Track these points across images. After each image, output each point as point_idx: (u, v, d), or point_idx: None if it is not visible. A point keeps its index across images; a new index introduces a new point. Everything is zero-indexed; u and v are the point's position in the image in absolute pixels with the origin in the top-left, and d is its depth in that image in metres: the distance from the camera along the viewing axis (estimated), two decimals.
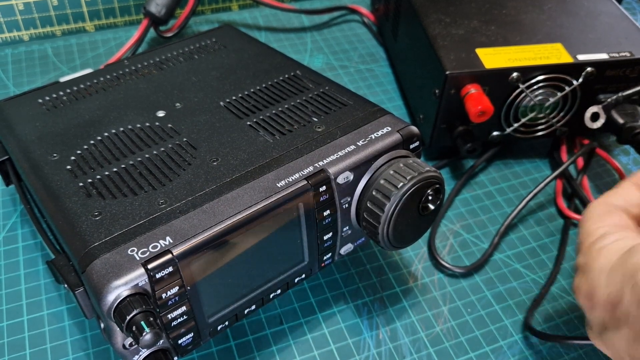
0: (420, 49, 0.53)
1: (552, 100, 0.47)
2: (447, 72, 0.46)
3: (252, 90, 0.43)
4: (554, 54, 0.48)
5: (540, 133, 0.51)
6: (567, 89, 0.47)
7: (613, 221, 0.31)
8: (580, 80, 0.46)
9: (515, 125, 0.49)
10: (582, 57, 0.47)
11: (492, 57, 0.47)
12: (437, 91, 0.48)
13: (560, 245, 0.48)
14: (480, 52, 0.48)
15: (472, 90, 0.46)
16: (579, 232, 0.32)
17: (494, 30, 0.51)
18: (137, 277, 0.28)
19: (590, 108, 0.42)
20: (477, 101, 0.46)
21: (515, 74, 0.47)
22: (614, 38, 0.49)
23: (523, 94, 0.48)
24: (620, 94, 0.41)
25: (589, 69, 0.47)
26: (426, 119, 0.52)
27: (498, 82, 0.47)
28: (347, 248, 0.39)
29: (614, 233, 0.30)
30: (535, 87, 0.47)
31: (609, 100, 0.42)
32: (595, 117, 0.42)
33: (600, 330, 0.30)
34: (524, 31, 0.51)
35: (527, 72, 0.47)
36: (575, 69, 0.47)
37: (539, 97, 0.47)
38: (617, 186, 0.34)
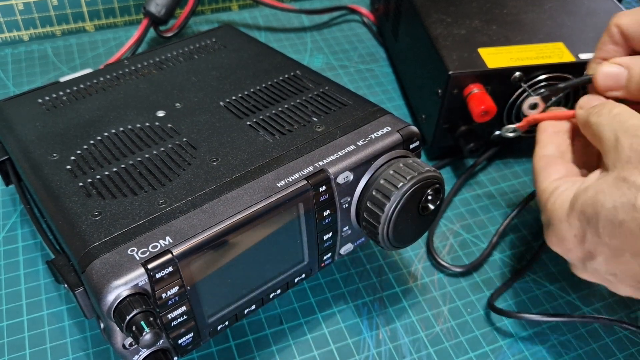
0: (422, 49, 0.53)
1: (554, 99, 0.47)
2: (450, 72, 0.46)
3: (252, 90, 0.43)
4: (556, 53, 0.48)
5: None
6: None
7: (556, 174, 0.37)
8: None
9: (517, 124, 0.49)
10: (583, 56, 0.47)
11: (494, 57, 0.47)
12: (439, 91, 0.48)
13: None
14: (483, 51, 0.48)
15: (475, 90, 0.46)
16: (536, 192, 0.38)
17: (496, 30, 0.51)
18: (137, 277, 0.28)
19: (530, 98, 0.43)
20: (480, 101, 0.46)
21: (517, 74, 0.47)
22: None
23: (525, 93, 0.48)
24: (559, 85, 0.42)
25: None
26: (428, 118, 0.52)
27: (500, 82, 0.47)
28: (347, 248, 0.39)
29: (560, 186, 0.35)
30: (537, 86, 0.47)
31: (547, 90, 0.43)
32: (534, 106, 0.44)
33: (582, 265, 0.35)
34: (525, 30, 0.51)
35: (529, 71, 0.47)
36: (577, 68, 0.47)
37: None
38: (539, 138, 0.39)
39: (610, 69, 0.37)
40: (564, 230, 0.34)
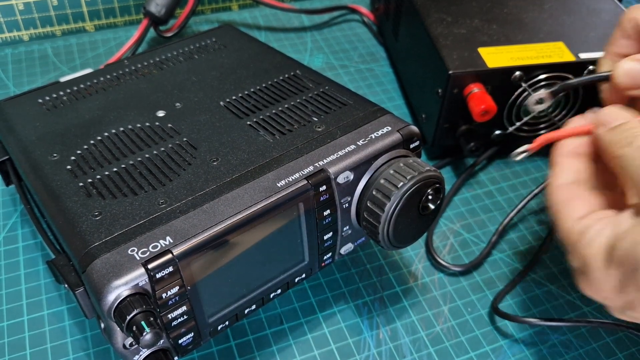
0: (422, 49, 0.53)
1: (553, 99, 0.47)
2: (450, 72, 0.46)
3: (252, 90, 0.43)
4: (556, 52, 0.48)
5: (542, 132, 0.51)
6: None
7: (582, 210, 0.32)
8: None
9: (518, 124, 0.49)
10: (584, 56, 0.47)
11: (495, 57, 0.47)
12: (439, 91, 0.48)
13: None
14: (483, 51, 0.48)
15: (475, 89, 0.46)
16: (558, 229, 0.33)
17: (496, 29, 0.51)
18: (137, 277, 0.28)
19: (536, 93, 0.43)
20: (480, 100, 0.46)
21: (517, 73, 0.47)
22: None
23: (525, 93, 0.48)
24: (571, 81, 0.41)
25: (591, 67, 0.47)
26: (429, 118, 0.52)
27: (500, 81, 0.47)
28: (347, 248, 0.39)
29: (590, 227, 0.31)
30: (537, 85, 0.47)
31: (558, 86, 0.43)
32: (540, 102, 0.43)
33: (621, 311, 0.32)
34: (525, 30, 0.51)
35: (530, 71, 0.47)
36: (577, 67, 0.47)
37: (541, 96, 0.47)
38: (554, 162, 0.35)
39: (632, 66, 0.34)
40: (602, 281, 0.31)
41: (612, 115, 0.33)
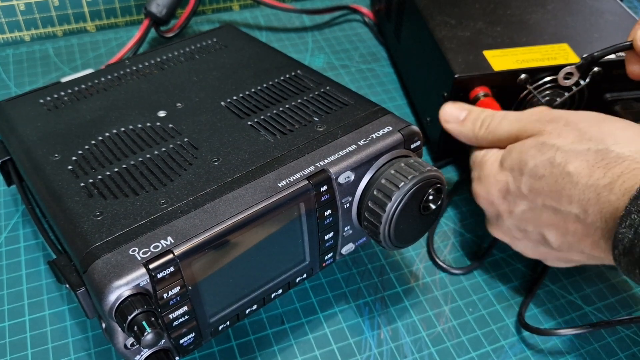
0: (427, 52, 0.53)
1: (559, 100, 0.47)
2: (456, 75, 0.46)
3: (253, 90, 0.43)
4: (561, 54, 0.48)
5: None
6: (575, 89, 0.47)
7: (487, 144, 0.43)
8: (588, 80, 0.46)
9: None
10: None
11: (500, 59, 0.47)
12: (445, 94, 0.48)
13: None
14: (488, 54, 0.48)
15: (481, 93, 0.46)
16: (471, 158, 0.44)
17: (500, 32, 0.51)
18: (138, 277, 0.28)
19: (565, 68, 0.45)
20: (487, 106, 0.46)
21: (523, 76, 0.47)
22: (620, 37, 0.49)
23: (531, 95, 0.48)
24: (595, 53, 0.43)
25: (596, 68, 0.46)
26: (433, 121, 0.52)
27: (506, 84, 0.47)
28: (348, 248, 0.39)
29: (489, 151, 0.42)
30: (542, 87, 0.47)
31: (582, 59, 0.44)
32: (568, 76, 0.45)
33: (496, 222, 0.41)
34: (529, 32, 0.51)
35: (535, 73, 0.47)
36: (588, 67, 0.47)
37: (547, 98, 0.47)
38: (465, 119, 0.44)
39: None
40: (491, 185, 0.40)
41: (449, 112, 0.45)
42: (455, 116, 0.45)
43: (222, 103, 0.42)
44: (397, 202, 0.34)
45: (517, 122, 0.40)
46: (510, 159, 0.39)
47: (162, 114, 0.41)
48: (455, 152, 0.54)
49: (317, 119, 0.39)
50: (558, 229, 0.36)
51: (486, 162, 0.41)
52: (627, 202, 0.31)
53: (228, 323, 0.34)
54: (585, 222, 0.34)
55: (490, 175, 0.40)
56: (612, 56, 0.45)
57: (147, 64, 0.48)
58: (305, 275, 0.37)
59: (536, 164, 0.37)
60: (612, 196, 0.32)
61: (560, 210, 0.35)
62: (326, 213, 0.35)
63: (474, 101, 0.47)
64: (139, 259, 0.29)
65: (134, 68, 0.47)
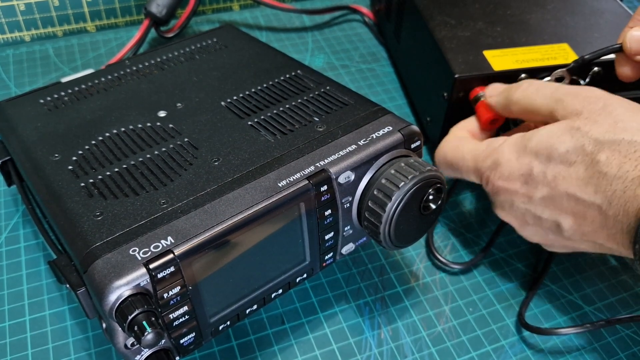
0: (427, 52, 0.53)
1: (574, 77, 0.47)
2: (457, 75, 0.46)
3: (253, 90, 0.43)
4: (561, 54, 0.48)
5: None
6: None
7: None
8: (588, 80, 0.46)
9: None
10: (589, 57, 0.47)
11: (500, 59, 0.47)
12: (445, 94, 0.48)
13: None
14: (488, 54, 0.48)
15: (482, 94, 0.46)
16: (479, 149, 0.42)
17: (500, 32, 0.51)
18: (138, 277, 0.28)
19: (555, 71, 0.45)
20: (488, 109, 0.46)
21: (523, 75, 0.47)
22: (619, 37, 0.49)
23: None
24: (585, 56, 0.43)
25: (595, 69, 0.46)
26: (434, 121, 0.52)
27: (506, 84, 0.47)
28: (348, 247, 0.39)
29: (508, 138, 0.40)
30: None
31: (574, 62, 0.44)
32: (559, 80, 0.45)
33: (509, 205, 0.40)
34: (529, 31, 0.51)
35: (535, 73, 0.47)
36: (580, 70, 0.47)
37: None
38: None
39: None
40: (513, 169, 0.38)
41: (495, 87, 0.45)
42: (498, 89, 0.44)
43: (222, 103, 0.42)
44: (397, 201, 0.34)
45: (556, 93, 0.38)
46: (537, 141, 0.37)
47: (162, 114, 0.41)
48: None
49: (317, 119, 0.39)
50: (576, 218, 0.36)
51: (506, 146, 0.39)
52: None
53: (228, 323, 0.34)
54: (606, 213, 0.34)
55: (512, 159, 0.39)
56: (612, 56, 0.45)
57: (147, 64, 0.48)
58: (305, 275, 0.37)
59: (567, 149, 0.35)
60: (639, 190, 0.32)
61: (583, 200, 0.35)
62: (326, 213, 0.35)
63: (474, 101, 0.47)
64: (139, 258, 0.29)
65: (134, 68, 0.47)
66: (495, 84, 0.45)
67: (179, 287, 0.30)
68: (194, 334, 0.32)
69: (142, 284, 0.29)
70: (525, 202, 0.38)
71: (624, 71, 0.42)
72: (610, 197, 0.33)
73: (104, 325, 0.30)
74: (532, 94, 0.40)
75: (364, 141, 0.36)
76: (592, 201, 0.34)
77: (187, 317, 0.31)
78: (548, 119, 0.39)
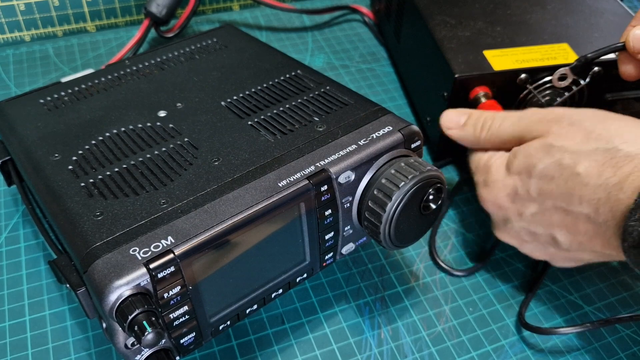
0: (427, 52, 0.53)
1: (559, 100, 0.47)
2: (457, 75, 0.46)
3: (253, 90, 0.43)
4: (561, 54, 0.48)
5: None
6: (575, 89, 0.47)
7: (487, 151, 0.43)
8: (588, 80, 0.46)
9: None
10: (588, 57, 0.47)
11: (500, 59, 0.47)
12: (445, 94, 0.48)
13: None
14: (488, 54, 0.48)
15: (482, 94, 0.46)
16: (470, 163, 0.44)
17: (500, 31, 0.51)
18: (138, 276, 0.28)
19: (558, 70, 0.45)
20: (489, 109, 0.45)
21: (523, 75, 0.47)
22: (619, 37, 0.49)
23: (531, 95, 0.48)
24: (588, 54, 0.43)
25: (596, 68, 0.46)
26: (433, 121, 0.52)
27: (506, 84, 0.47)
28: (348, 247, 0.39)
29: (494, 154, 0.42)
30: (542, 87, 0.47)
31: (576, 61, 0.45)
32: (562, 78, 0.45)
33: (503, 226, 0.41)
34: (529, 31, 0.51)
35: (535, 73, 0.47)
36: (582, 69, 0.47)
37: (547, 98, 0.47)
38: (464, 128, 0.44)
39: None
40: (499, 189, 0.40)
41: (449, 118, 0.45)
42: (455, 121, 0.44)
43: (222, 103, 0.42)
44: (397, 201, 0.34)
45: (520, 123, 0.40)
46: (517, 163, 0.39)
47: (162, 114, 0.41)
48: (455, 152, 0.54)
49: (317, 119, 0.39)
50: (569, 230, 0.36)
51: (492, 165, 0.41)
52: (637, 196, 0.31)
53: (228, 323, 0.34)
54: (596, 221, 0.34)
55: (497, 180, 0.40)
56: (612, 56, 0.45)
57: (147, 64, 0.48)
58: (305, 275, 0.37)
59: (545, 166, 0.37)
60: (622, 195, 0.32)
61: (571, 211, 0.35)
62: (326, 213, 0.35)
63: (474, 101, 0.47)
64: (140, 258, 0.29)
65: (134, 68, 0.47)
66: (449, 113, 0.45)
67: (179, 287, 0.30)
68: (194, 333, 0.32)
69: (142, 284, 0.29)
70: (518, 220, 0.39)
71: (627, 70, 0.42)
72: (596, 205, 0.34)
73: (104, 325, 0.30)
74: (496, 131, 0.41)
75: (364, 141, 0.36)
76: (580, 211, 0.35)
77: (187, 316, 0.31)
78: (521, 144, 0.40)
